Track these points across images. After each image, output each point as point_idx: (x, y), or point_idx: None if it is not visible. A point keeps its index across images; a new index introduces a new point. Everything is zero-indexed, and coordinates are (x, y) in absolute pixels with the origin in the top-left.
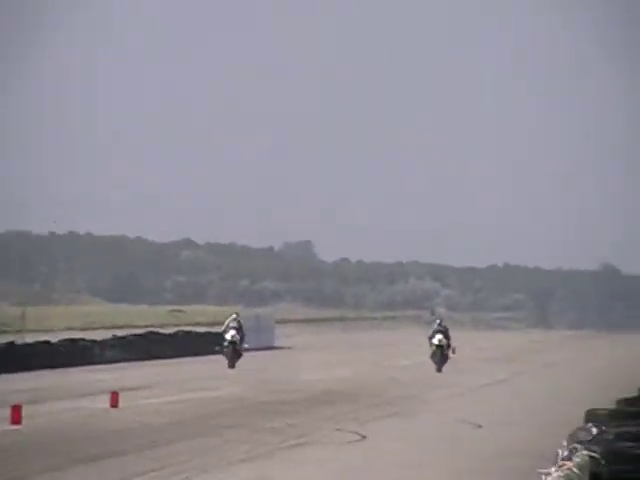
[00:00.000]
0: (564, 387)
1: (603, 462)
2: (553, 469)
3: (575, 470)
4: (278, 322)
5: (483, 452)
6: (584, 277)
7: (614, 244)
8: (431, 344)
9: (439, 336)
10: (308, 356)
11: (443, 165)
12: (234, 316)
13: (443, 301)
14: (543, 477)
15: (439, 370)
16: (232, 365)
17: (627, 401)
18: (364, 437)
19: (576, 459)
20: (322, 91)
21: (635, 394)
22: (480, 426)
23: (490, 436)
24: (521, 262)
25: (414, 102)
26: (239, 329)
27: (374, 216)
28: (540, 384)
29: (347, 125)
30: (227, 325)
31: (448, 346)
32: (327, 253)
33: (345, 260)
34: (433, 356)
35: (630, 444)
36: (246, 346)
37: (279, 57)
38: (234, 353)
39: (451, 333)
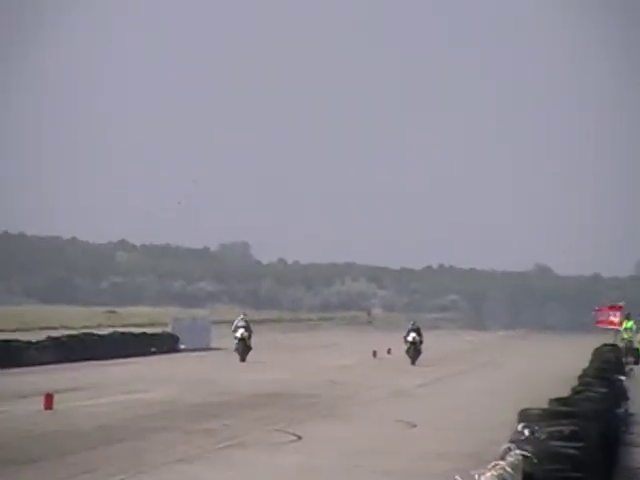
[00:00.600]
0: (498, 386)
1: (536, 461)
2: (488, 467)
3: (508, 469)
4: (214, 323)
5: (415, 452)
6: (517, 278)
7: (546, 245)
8: (406, 341)
9: (413, 334)
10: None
11: (381, 165)
12: (242, 316)
13: (379, 302)
14: (477, 477)
15: (413, 363)
16: (243, 359)
17: (559, 401)
18: (299, 437)
19: (509, 459)
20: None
21: (568, 394)
22: (414, 426)
23: (423, 436)
24: (456, 263)
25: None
26: (247, 327)
27: (311, 217)
28: (474, 383)
29: (290, 122)
30: (236, 325)
31: (420, 342)
32: (264, 254)
33: (282, 261)
34: (408, 351)
35: (562, 443)
36: (182, 347)
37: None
38: (244, 348)
39: (387, 333)
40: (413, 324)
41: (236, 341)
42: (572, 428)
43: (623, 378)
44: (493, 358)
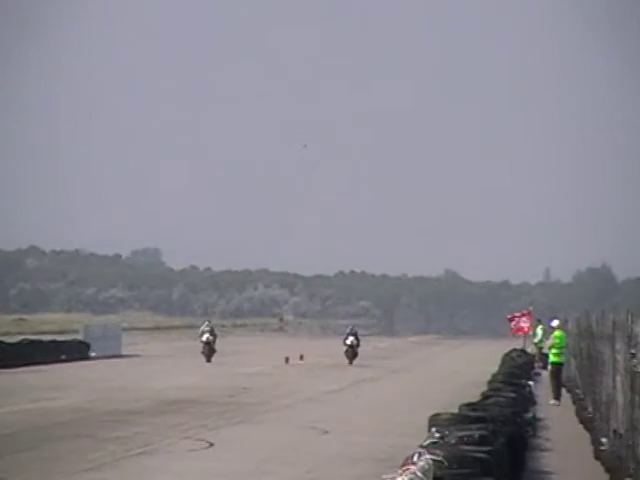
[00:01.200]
0: (410, 391)
1: (446, 465)
2: (398, 472)
3: (419, 474)
4: (125, 330)
5: (327, 457)
6: (429, 283)
7: (456, 251)
8: (345, 344)
9: (351, 337)
10: (156, 364)
11: (298, 171)
12: (207, 323)
13: (291, 308)
14: None
15: (350, 363)
16: (209, 360)
17: (469, 406)
18: (211, 444)
19: (420, 463)
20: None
21: (478, 399)
22: (326, 432)
23: (335, 442)
24: (367, 269)
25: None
26: (211, 332)
27: (222, 223)
28: (386, 389)
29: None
30: (202, 330)
31: (357, 345)
32: (175, 261)
33: (194, 268)
34: (346, 353)
35: (471, 447)
36: (93, 354)
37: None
38: (210, 350)
39: (299, 339)
40: (351, 329)
41: (202, 344)
42: (481, 432)
43: (531, 383)
44: (405, 364)
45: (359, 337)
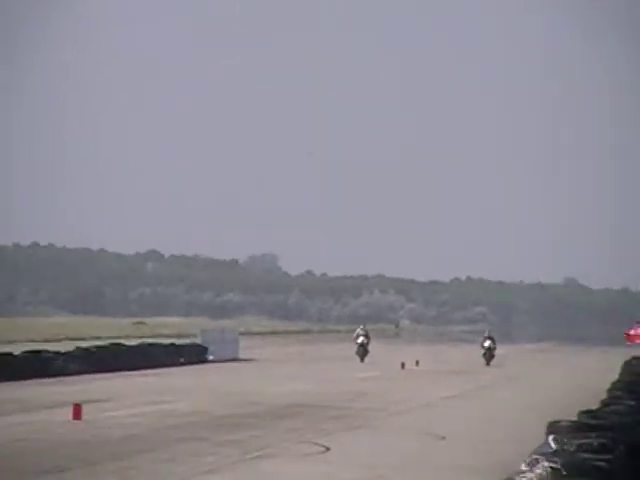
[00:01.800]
0: (525, 400)
1: (564, 473)
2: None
3: None
4: (242, 334)
5: (443, 464)
6: (546, 290)
7: (575, 258)
8: (482, 347)
9: (488, 341)
10: (272, 368)
11: (404, 179)
12: (362, 327)
13: (407, 314)
14: None
15: (488, 364)
16: (362, 360)
17: (588, 413)
18: (328, 449)
19: (537, 470)
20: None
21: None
22: (443, 438)
23: (452, 448)
24: (484, 275)
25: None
26: (366, 335)
27: (339, 230)
28: (502, 396)
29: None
30: (357, 333)
31: (494, 348)
32: (292, 266)
33: (310, 273)
34: (484, 355)
35: (590, 456)
36: (211, 357)
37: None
38: (364, 352)
39: (415, 346)
40: (488, 333)
41: (357, 346)
42: (601, 440)
43: None
44: (522, 371)
45: (495, 340)
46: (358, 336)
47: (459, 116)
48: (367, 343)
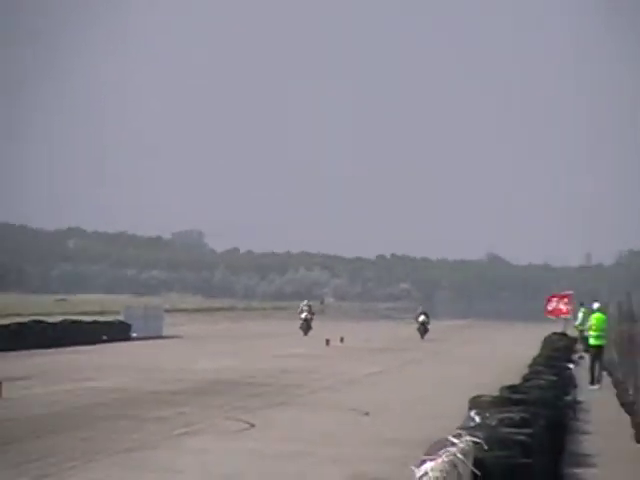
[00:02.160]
0: (451, 373)
1: (486, 448)
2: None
3: (459, 456)
4: (167, 311)
5: (366, 439)
6: (469, 266)
7: (498, 234)
8: (417, 321)
9: (423, 316)
10: (197, 345)
11: (330, 153)
12: (305, 302)
13: (332, 291)
14: (427, 463)
15: (422, 338)
16: (306, 334)
17: (510, 388)
18: (252, 425)
19: (460, 445)
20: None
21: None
22: (367, 414)
23: (375, 424)
24: (409, 252)
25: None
26: (310, 310)
27: (264, 207)
28: (427, 372)
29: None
30: (301, 309)
31: (428, 323)
32: (217, 243)
33: (235, 250)
34: (419, 329)
35: (512, 430)
36: (135, 335)
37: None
38: (307, 327)
39: (340, 323)
40: (422, 308)
41: (301, 321)
42: (522, 415)
43: (572, 366)
44: (446, 347)
45: (429, 315)
46: (302, 311)
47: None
48: (311, 319)
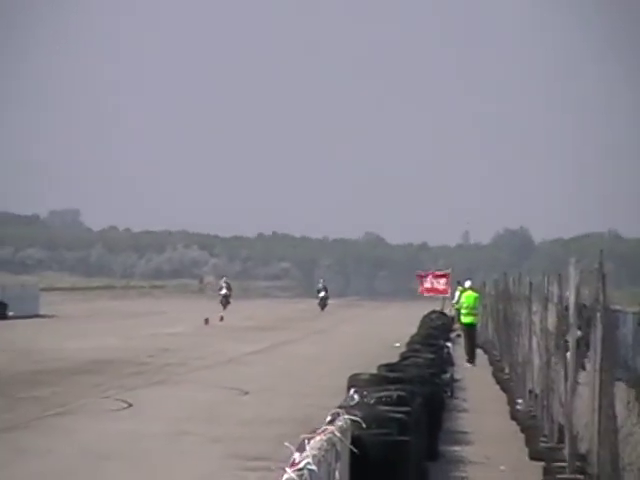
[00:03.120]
0: (331, 352)
1: (364, 425)
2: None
3: (337, 434)
4: (43, 290)
5: (246, 418)
6: (349, 246)
7: (377, 214)
8: (318, 296)
9: (323, 292)
10: (74, 324)
11: (212, 136)
12: (224, 279)
13: (211, 269)
14: (306, 442)
15: (322, 310)
16: (224, 308)
17: (388, 366)
18: (130, 405)
19: (338, 423)
20: None
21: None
22: (246, 393)
23: (255, 403)
24: (289, 231)
25: None
26: (228, 287)
27: (142, 184)
28: (307, 350)
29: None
30: (220, 285)
31: (328, 298)
32: (94, 221)
33: (113, 228)
34: (319, 303)
35: (389, 408)
36: (11, 314)
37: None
38: (226, 302)
39: (218, 301)
40: (323, 284)
41: (220, 297)
42: (399, 393)
43: (450, 345)
44: (325, 326)
45: (328, 290)
46: (221, 288)
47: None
48: (229, 295)
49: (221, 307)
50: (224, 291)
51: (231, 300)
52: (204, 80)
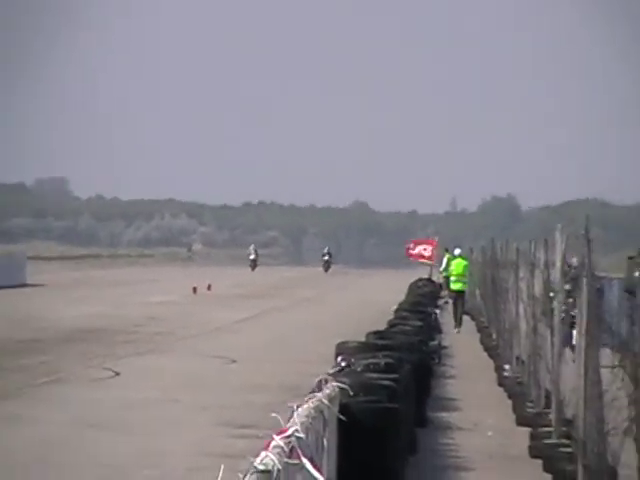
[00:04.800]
0: (319, 320)
1: (352, 393)
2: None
3: (325, 401)
4: (31, 259)
5: (234, 386)
6: (336, 214)
7: (368, 182)
8: (323, 260)
9: (327, 256)
10: (62, 293)
11: (202, 107)
12: (252, 246)
13: (200, 238)
14: (294, 408)
15: (326, 272)
16: (253, 270)
17: (376, 334)
18: (118, 374)
19: (326, 390)
20: None
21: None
22: (234, 361)
23: (242, 371)
24: (276, 199)
25: None
26: (255, 252)
27: (130, 152)
28: (295, 318)
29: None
30: (249, 251)
31: (332, 262)
32: (82, 190)
33: (100, 197)
34: (323, 266)
35: (377, 375)
36: None
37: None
38: (254, 265)
39: (207, 269)
40: (328, 249)
41: (249, 262)
42: (387, 360)
43: (437, 312)
44: (314, 294)
45: (332, 254)
46: (250, 254)
47: None
48: (257, 259)
49: (249, 270)
50: (252, 256)
51: (258, 264)
52: (186, 46)
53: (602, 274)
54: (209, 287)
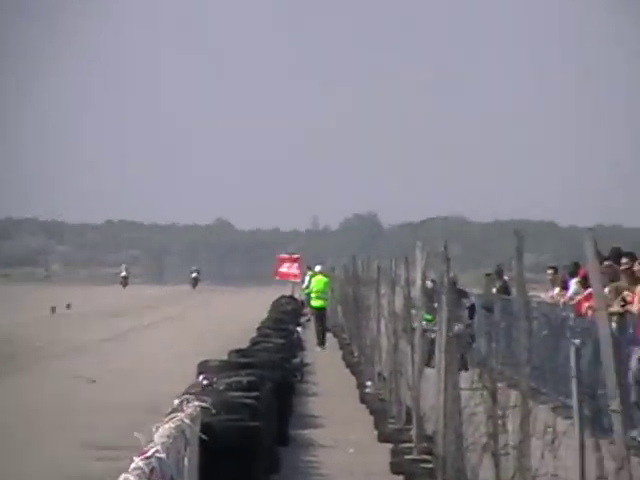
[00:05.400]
0: (184, 337)
1: (214, 412)
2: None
3: (186, 420)
4: None
5: (96, 407)
6: (199, 231)
7: (228, 200)
8: (190, 278)
9: (195, 273)
10: None
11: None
12: (124, 266)
13: (59, 257)
14: (154, 429)
15: (194, 288)
16: (124, 287)
17: (238, 352)
18: None
19: (187, 410)
20: None
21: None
22: (94, 381)
23: (104, 390)
24: (137, 218)
25: None
26: (126, 269)
27: None
28: (159, 336)
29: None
30: (120, 270)
31: (199, 280)
32: None
33: None
34: (191, 283)
35: (239, 393)
36: None
37: None
38: (125, 283)
39: (66, 289)
40: (196, 268)
41: (121, 278)
42: (249, 378)
43: (299, 329)
44: (177, 312)
45: (200, 272)
46: (121, 271)
47: None
48: (127, 277)
49: (120, 287)
50: (124, 273)
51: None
52: None
53: (461, 288)
54: (68, 306)
